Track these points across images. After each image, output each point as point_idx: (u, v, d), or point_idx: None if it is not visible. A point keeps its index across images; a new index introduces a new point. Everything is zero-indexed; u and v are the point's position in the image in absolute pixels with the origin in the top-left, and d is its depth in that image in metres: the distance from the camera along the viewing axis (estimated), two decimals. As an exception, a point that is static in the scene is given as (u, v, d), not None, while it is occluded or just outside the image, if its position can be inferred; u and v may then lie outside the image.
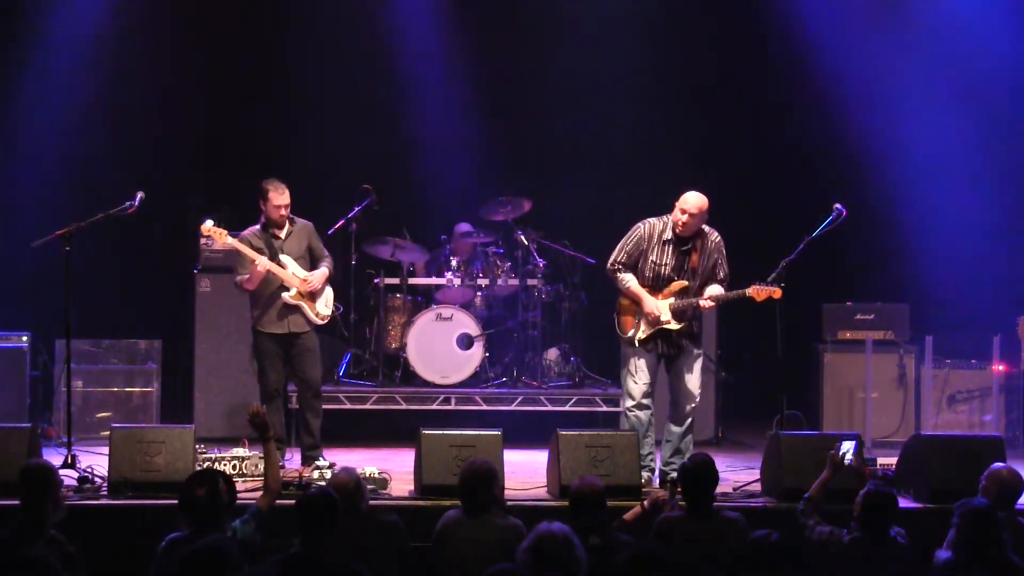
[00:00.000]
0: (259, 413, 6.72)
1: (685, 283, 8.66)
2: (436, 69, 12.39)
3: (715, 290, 8.68)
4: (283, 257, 9.10)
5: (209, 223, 9.03)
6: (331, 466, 8.43)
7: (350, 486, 6.51)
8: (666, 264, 8.67)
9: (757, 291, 8.62)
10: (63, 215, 9.04)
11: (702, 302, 8.63)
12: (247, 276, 9.04)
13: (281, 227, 9.14)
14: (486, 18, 12.41)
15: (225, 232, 9.03)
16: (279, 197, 9.05)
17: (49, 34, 11.69)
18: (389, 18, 12.20)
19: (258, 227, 9.16)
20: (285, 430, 9.49)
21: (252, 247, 9.03)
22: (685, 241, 8.66)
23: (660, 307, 8.64)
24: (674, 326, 8.66)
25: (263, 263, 8.96)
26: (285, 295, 9.08)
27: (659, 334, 8.69)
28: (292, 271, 9.11)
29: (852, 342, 10.92)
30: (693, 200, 8.60)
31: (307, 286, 9.10)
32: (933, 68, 12.17)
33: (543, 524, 5.40)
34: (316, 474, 8.30)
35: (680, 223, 8.59)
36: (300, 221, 9.25)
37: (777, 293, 8.59)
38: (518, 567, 5.24)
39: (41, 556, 5.34)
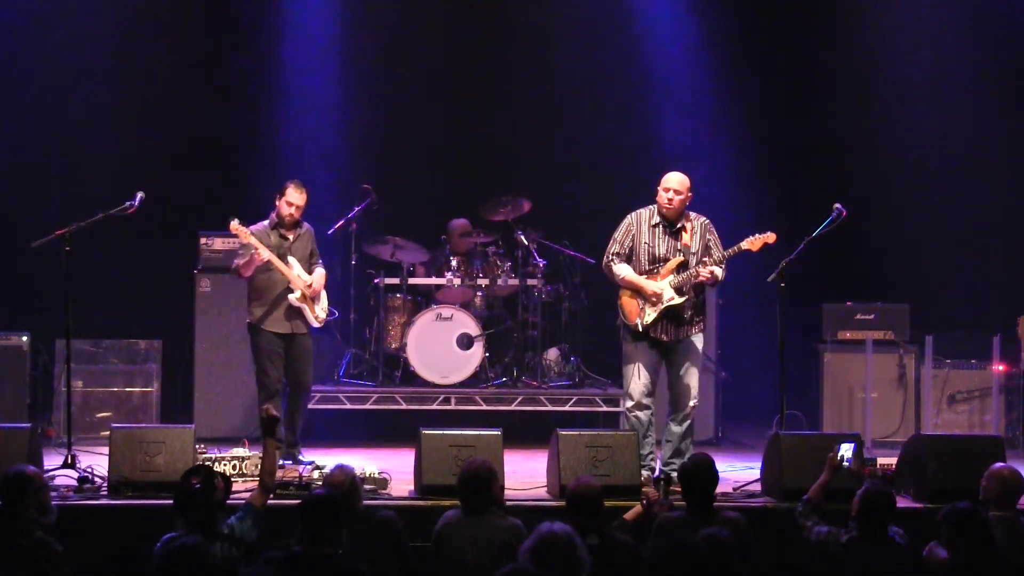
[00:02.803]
0: (275, 418, 6.74)
1: (682, 259, 8.70)
2: (436, 69, 12.39)
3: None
4: (290, 259, 9.13)
5: (236, 222, 9.05)
6: (321, 467, 8.42)
7: (346, 484, 6.52)
8: (659, 245, 8.73)
9: (752, 242, 8.65)
10: (63, 215, 9.03)
11: (701, 274, 8.62)
12: (244, 260, 9.06)
13: (290, 227, 9.18)
14: (486, 19, 12.40)
15: (249, 232, 9.06)
16: (297, 196, 9.12)
17: (48, 32, 11.69)
18: (387, 18, 12.20)
19: (267, 224, 9.20)
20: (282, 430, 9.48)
21: (261, 243, 9.07)
22: (673, 223, 8.73)
23: (660, 286, 8.66)
24: (678, 300, 8.65)
25: (264, 252, 8.98)
26: (291, 296, 9.10)
27: (665, 314, 8.69)
28: (298, 273, 9.14)
29: (852, 342, 10.92)
30: (676, 178, 8.70)
31: (311, 291, 9.16)
32: (935, 66, 12.19)
33: (545, 524, 5.37)
34: (316, 474, 8.29)
35: (666, 202, 8.67)
36: (305, 225, 9.31)
37: (772, 238, 8.63)
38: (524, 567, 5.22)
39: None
